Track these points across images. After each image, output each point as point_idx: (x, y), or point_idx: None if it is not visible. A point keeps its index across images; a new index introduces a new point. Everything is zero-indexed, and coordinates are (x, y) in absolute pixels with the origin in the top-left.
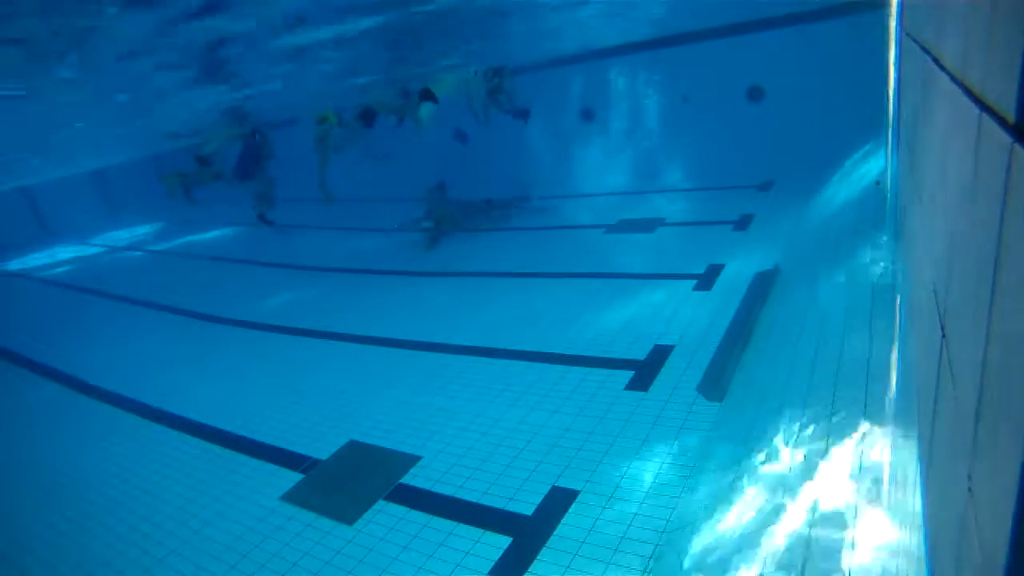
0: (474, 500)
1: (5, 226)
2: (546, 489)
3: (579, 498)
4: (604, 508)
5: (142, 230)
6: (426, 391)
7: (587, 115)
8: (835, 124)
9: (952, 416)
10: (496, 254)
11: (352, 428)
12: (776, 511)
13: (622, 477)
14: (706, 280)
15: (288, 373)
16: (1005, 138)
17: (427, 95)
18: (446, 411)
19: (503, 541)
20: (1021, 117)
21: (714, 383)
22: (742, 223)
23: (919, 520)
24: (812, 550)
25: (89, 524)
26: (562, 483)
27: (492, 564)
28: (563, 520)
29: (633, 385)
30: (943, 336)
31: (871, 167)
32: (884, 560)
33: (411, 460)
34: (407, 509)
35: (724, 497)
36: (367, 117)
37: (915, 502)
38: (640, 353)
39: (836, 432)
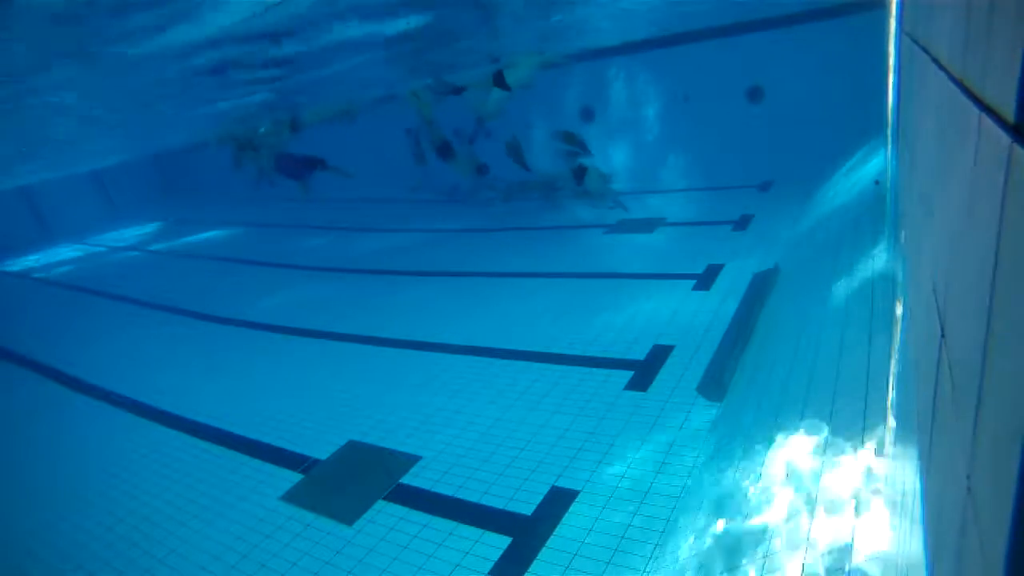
0: (474, 500)
1: (5, 226)
2: (546, 489)
3: (579, 498)
4: (604, 508)
5: (142, 230)
6: (426, 391)
7: (586, 114)
8: (834, 124)
9: (951, 416)
10: (496, 254)
11: (352, 428)
12: (776, 511)
13: (622, 477)
14: (705, 280)
15: (288, 373)
16: (1004, 138)
17: (500, 81)
18: (446, 411)
19: (503, 541)
20: (1020, 117)
21: (714, 383)
22: (742, 223)
23: (919, 520)
24: (812, 550)
25: (88, 524)
26: (562, 483)
27: (492, 564)
28: (563, 520)
29: (633, 385)
30: (942, 336)
31: (870, 167)
32: (884, 560)
33: (411, 460)
34: (407, 509)
35: (724, 497)
36: (444, 151)
37: (915, 502)
38: (640, 353)
39: (836, 431)
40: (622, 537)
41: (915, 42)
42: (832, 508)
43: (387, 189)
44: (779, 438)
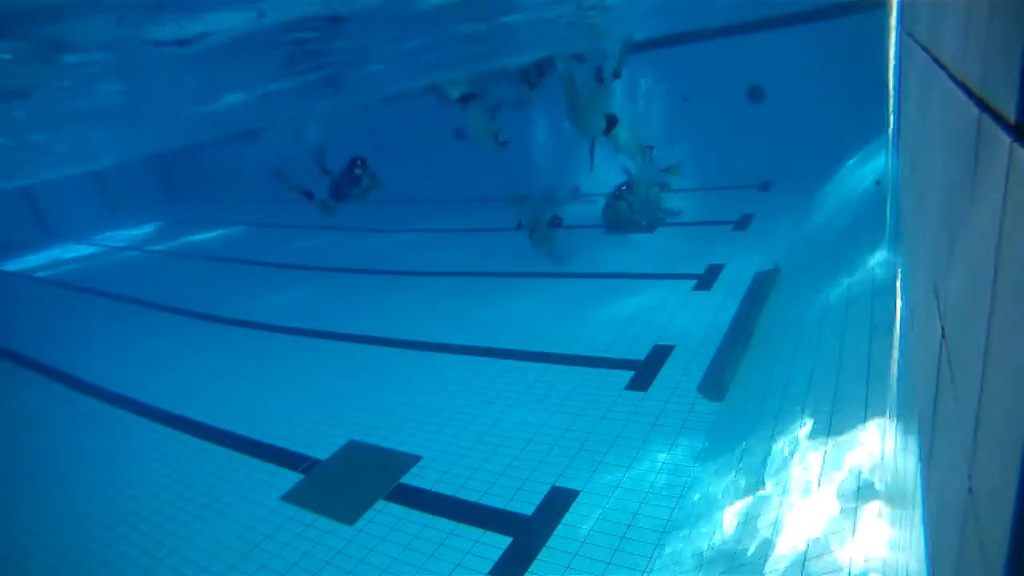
0: (474, 500)
1: (5, 226)
2: (546, 489)
3: (579, 498)
4: (604, 508)
5: (142, 230)
6: (426, 391)
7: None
8: (834, 124)
9: (952, 416)
10: (496, 254)
11: (352, 428)
12: (776, 511)
13: (622, 477)
14: (706, 280)
15: (288, 373)
16: (1005, 138)
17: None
18: (446, 411)
19: (503, 541)
20: (1021, 117)
21: (714, 383)
22: (742, 223)
23: (919, 520)
24: (813, 549)
25: (88, 524)
26: (562, 483)
27: (492, 564)
28: (563, 520)
29: (633, 385)
30: (943, 336)
31: (871, 167)
32: (884, 560)
33: (411, 460)
34: (407, 509)
35: (724, 497)
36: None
37: (915, 502)
38: (640, 353)
39: (836, 432)
40: (622, 537)
41: (916, 42)
42: (832, 508)
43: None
44: (779, 438)
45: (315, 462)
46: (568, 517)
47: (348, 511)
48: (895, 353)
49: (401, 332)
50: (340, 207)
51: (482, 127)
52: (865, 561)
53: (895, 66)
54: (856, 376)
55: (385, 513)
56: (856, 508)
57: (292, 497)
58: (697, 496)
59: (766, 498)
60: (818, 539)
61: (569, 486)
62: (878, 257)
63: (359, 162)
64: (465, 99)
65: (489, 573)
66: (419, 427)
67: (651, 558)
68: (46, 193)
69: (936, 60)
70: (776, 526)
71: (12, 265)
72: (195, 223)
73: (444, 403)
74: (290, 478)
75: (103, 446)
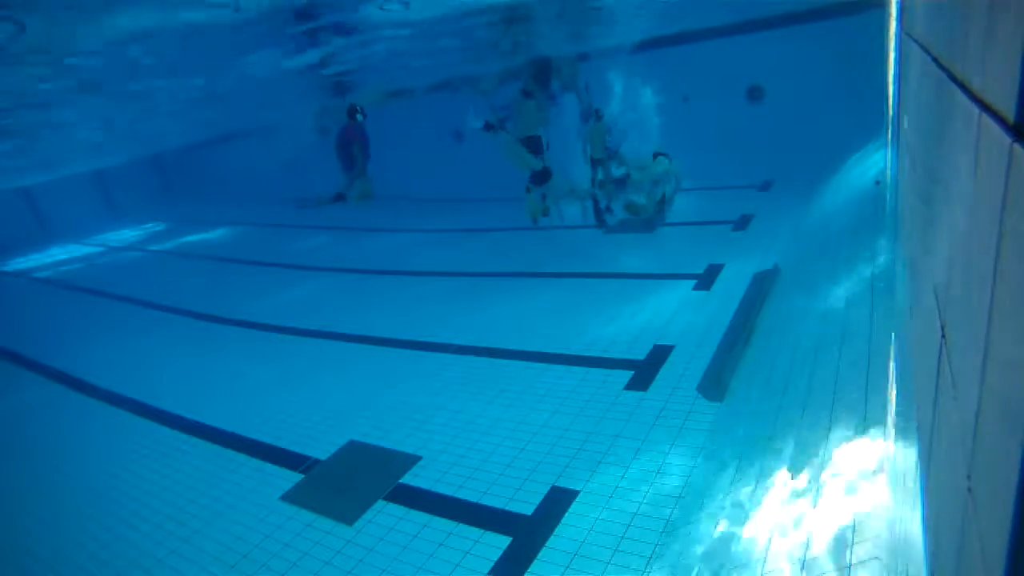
0: (474, 500)
1: (5, 226)
2: (546, 489)
3: (579, 498)
4: (604, 508)
5: (142, 230)
6: (426, 391)
7: (586, 114)
8: (834, 124)
9: (952, 416)
10: (496, 254)
11: (352, 428)
12: (776, 511)
13: (622, 477)
14: (706, 280)
15: (288, 373)
16: (1005, 138)
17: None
18: (446, 411)
19: (503, 541)
20: (1021, 117)
21: (714, 383)
22: (742, 223)
23: (919, 520)
24: (812, 550)
25: (88, 524)
26: (562, 483)
27: (492, 564)
28: (563, 520)
29: (633, 385)
30: (943, 336)
31: (870, 167)
32: (884, 560)
33: (411, 460)
34: (407, 509)
35: (724, 497)
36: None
37: (915, 502)
38: (640, 353)
39: (836, 432)
40: (622, 537)
41: (915, 42)
42: (832, 508)
43: (387, 189)
44: (779, 438)
45: (315, 462)
46: (568, 517)
47: (348, 511)
48: (895, 353)
49: (400, 332)
50: (358, 188)
51: (573, 188)
52: (865, 561)
53: (895, 66)
54: (856, 376)
55: (385, 513)
56: (856, 508)
57: (292, 497)
58: (697, 495)
59: (766, 498)
60: (818, 538)
61: (569, 486)
62: (878, 257)
63: (359, 108)
64: (540, 179)
65: (489, 573)
66: (418, 427)
67: (651, 558)
68: (46, 193)
69: (935, 60)
70: (776, 525)
71: (12, 265)
72: (195, 223)
73: (443, 403)
74: (290, 478)
75: (103, 446)
